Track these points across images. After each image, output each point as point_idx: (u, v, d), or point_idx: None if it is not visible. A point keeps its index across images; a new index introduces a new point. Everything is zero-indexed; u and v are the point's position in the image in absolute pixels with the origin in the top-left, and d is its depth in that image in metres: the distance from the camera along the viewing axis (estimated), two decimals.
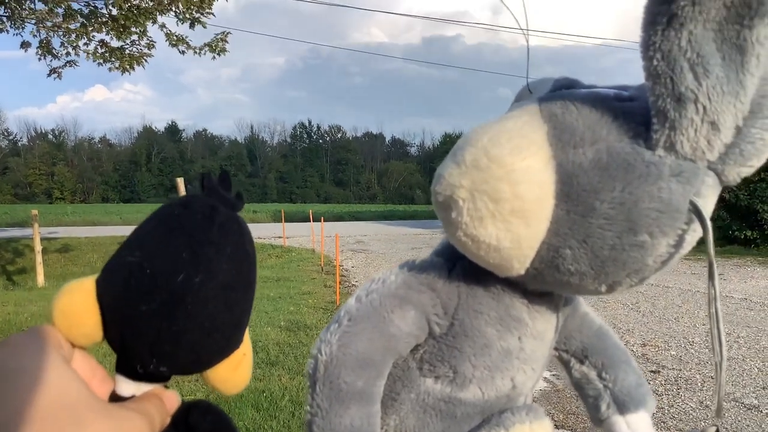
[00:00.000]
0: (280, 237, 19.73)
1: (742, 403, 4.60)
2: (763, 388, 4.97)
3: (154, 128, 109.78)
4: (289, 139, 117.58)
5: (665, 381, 5.20)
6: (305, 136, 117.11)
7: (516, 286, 0.76)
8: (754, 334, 6.68)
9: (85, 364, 0.45)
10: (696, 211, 0.61)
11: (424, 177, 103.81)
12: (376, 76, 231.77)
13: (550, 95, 0.70)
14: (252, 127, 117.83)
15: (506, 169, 0.63)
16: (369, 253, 16.09)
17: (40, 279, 11.03)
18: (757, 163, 0.62)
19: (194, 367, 0.48)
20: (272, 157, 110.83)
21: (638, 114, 0.63)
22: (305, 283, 10.38)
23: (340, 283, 9.30)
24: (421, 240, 20.34)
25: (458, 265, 0.78)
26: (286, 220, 23.07)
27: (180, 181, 9.10)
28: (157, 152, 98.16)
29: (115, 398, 0.47)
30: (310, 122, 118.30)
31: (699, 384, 5.10)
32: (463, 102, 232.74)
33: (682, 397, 4.80)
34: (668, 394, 4.86)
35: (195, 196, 0.48)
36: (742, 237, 16.00)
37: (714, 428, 0.97)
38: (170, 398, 0.49)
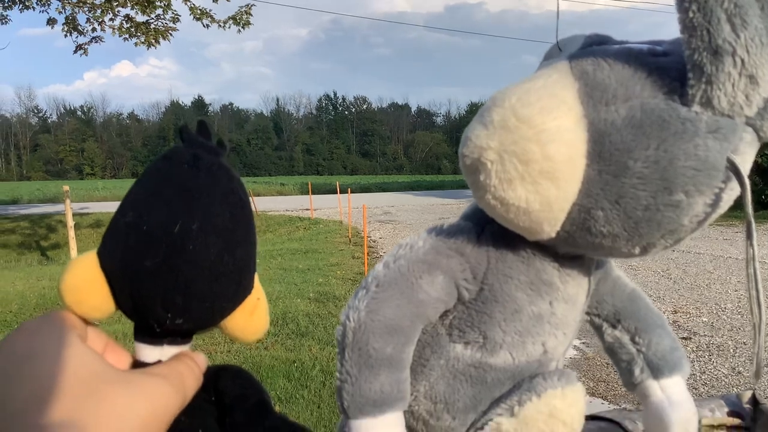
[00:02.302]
0: (307, 209, 19.87)
1: None
2: None
3: (181, 103, 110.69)
4: (314, 111, 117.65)
5: (697, 348, 5.17)
6: (330, 107, 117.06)
7: (546, 249, 0.75)
8: None
9: (98, 340, 0.46)
10: (734, 168, 0.59)
11: (451, 147, 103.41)
12: (399, 46, 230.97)
13: (581, 52, 0.68)
14: (277, 100, 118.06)
15: (536, 129, 0.61)
16: (396, 223, 16.12)
17: (74, 254, 11.18)
18: None
19: (210, 317, 0.48)
20: (298, 130, 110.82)
21: (673, 69, 0.61)
22: (333, 254, 10.44)
23: (368, 254, 9.34)
24: (448, 210, 20.32)
25: (487, 229, 0.77)
26: (313, 193, 23.18)
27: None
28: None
29: (138, 366, 0.47)
30: (335, 93, 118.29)
31: (731, 350, 5.07)
32: (487, 70, 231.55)
33: (714, 364, 4.77)
34: (700, 361, 4.84)
35: (176, 148, 0.49)
36: (762, 199, 15.78)
37: (750, 392, 0.95)
38: (199, 357, 0.49)
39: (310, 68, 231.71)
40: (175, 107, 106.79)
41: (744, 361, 4.78)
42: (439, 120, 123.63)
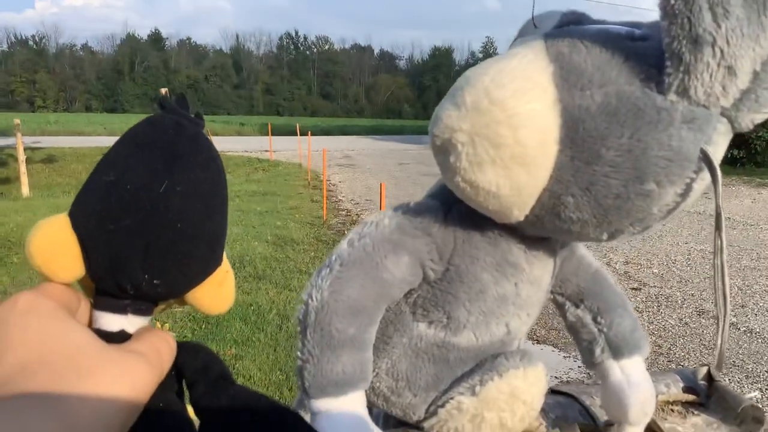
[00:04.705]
0: (266, 151, 19.67)
1: None
2: (742, 306, 5.09)
3: (136, 36, 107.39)
4: (275, 50, 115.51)
5: (646, 298, 5.32)
6: (292, 47, 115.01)
7: (514, 230, 0.74)
8: (735, 253, 6.80)
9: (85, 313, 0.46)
10: (706, 159, 0.59)
11: (413, 91, 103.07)
12: None
13: (557, 31, 0.66)
14: (237, 37, 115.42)
15: (508, 112, 0.59)
16: (356, 168, 16.10)
17: (25, 189, 10.99)
18: None
19: (185, 282, 0.48)
20: (258, 69, 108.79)
21: (650, 55, 0.59)
22: (292, 197, 10.40)
23: (327, 198, 9.32)
24: (409, 155, 20.32)
25: (454, 209, 0.75)
26: (273, 134, 22.92)
27: (164, 92, 8.98)
28: (140, 61, 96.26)
29: (100, 335, 0.46)
30: (296, 32, 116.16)
31: (679, 302, 5.22)
32: (450, 14, 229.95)
33: (662, 314, 4.92)
34: (648, 311, 4.98)
35: (159, 115, 0.48)
36: (729, 156, 16.05)
37: (705, 368, 0.97)
38: (170, 337, 0.48)
39: (269, 4, 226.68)
40: (130, 40, 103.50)
41: (691, 312, 4.93)
42: (402, 64, 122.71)
